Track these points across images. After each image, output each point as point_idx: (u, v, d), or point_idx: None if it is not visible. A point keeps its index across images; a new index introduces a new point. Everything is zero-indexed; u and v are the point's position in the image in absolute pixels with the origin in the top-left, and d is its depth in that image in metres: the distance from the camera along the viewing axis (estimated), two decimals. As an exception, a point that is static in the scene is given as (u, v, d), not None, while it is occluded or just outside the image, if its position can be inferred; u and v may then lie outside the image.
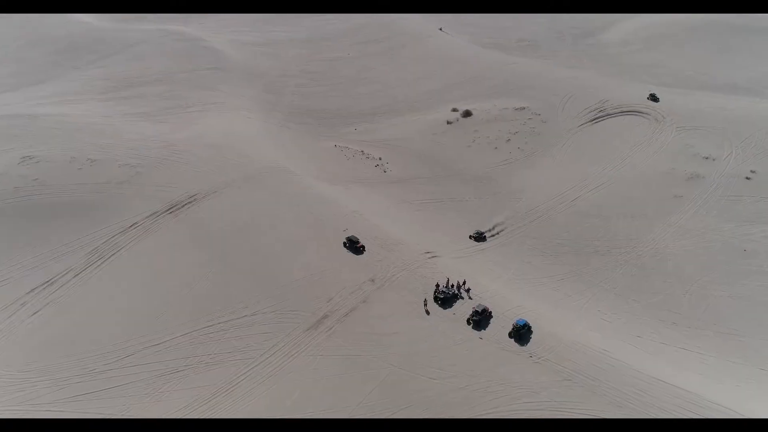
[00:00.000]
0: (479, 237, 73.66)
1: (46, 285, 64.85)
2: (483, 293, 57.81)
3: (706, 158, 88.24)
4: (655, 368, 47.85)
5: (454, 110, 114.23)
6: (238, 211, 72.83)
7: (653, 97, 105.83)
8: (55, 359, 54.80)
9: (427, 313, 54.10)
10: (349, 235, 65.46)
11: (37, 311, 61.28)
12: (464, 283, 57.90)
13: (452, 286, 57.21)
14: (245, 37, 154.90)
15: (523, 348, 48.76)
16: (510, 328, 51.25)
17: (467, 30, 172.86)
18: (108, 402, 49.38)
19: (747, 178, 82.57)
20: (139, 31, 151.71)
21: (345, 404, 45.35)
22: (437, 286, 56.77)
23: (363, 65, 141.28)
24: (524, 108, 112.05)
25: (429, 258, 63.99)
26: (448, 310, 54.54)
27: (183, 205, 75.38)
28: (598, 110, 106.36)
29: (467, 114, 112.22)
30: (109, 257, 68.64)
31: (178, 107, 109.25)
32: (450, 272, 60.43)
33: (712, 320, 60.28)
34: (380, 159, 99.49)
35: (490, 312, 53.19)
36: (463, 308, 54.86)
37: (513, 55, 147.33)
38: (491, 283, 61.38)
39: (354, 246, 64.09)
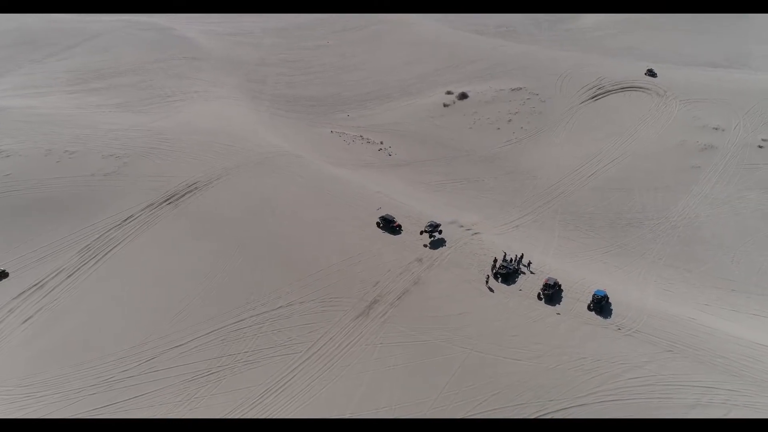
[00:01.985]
0: (432, 230, 57.43)
1: (35, 288, 56.39)
2: (541, 267, 53.21)
3: (716, 129, 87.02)
4: (750, 335, 44.35)
5: (449, 93, 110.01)
6: (249, 197, 65.86)
7: (651, 73, 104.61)
8: (59, 369, 46.84)
9: (491, 290, 49.01)
10: (383, 214, 59.66)
11: (30, 317, 52.86)
12: (522, 257, 53.15)
13: (510, 260, 52.32)
14: (216, 27, 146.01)
15: (608, 320, 44.31)
16: (586, 300, 46.78)
17: (443, 17, 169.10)
18: (136, 413, 41.95)
19: (759, 146, 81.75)
20: (100, 22, 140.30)
21: (424, 395, 39.63)
22: (495, 261, 51.72)
23: (346, 52, 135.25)
24: (521, 88, 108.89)
25: (472, 235, 58.92)
26: (512, 285, 49.56)
27: (183, 195, 67.76)
28: (597, 87, 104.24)
29: (463, 96, 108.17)
30: (106, 254, 60.56)
31: (157, 97, 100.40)
32: (499, 248, 55.57)
33: (768, 285, 57.75)
34: (382, 143, 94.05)
35: (560, 285, 48.54)
36: (527, 283, 50.08)
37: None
38: (543, 257, 56.91)
39: (390, 225, 58.40)
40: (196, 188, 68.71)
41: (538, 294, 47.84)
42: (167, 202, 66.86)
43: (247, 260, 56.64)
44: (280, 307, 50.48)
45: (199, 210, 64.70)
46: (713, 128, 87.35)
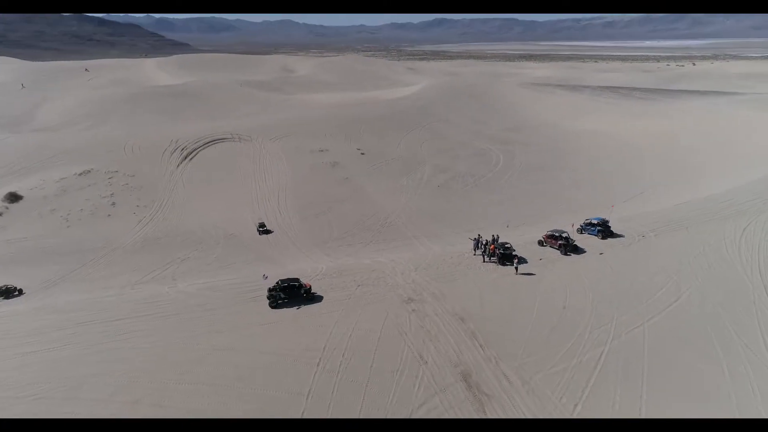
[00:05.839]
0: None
1: None
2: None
3: (323, 151, 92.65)
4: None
5: None
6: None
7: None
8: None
9: (516, 270, 35.05)
10: (270, 285, 31.80)
11: None
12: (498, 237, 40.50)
13: (494, 241, 38.70)
14: None
15: (626, 239, 39.69)
16: (586, 241, 40.35)
17: None
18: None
19: (358, 150, 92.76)
20: None
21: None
22: (485, 245, 36.69)
23: None
24: (90, 170, 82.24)
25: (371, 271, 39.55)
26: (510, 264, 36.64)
27: None
28: (181, 149, 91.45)
29: (14, 198, 72.28)
30: None
31: None
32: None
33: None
34: None
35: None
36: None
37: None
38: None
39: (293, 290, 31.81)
40: None
41: (562, 251, 40.18)
42: None
43: None
44: None
45: None
46: (320, 150, 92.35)
